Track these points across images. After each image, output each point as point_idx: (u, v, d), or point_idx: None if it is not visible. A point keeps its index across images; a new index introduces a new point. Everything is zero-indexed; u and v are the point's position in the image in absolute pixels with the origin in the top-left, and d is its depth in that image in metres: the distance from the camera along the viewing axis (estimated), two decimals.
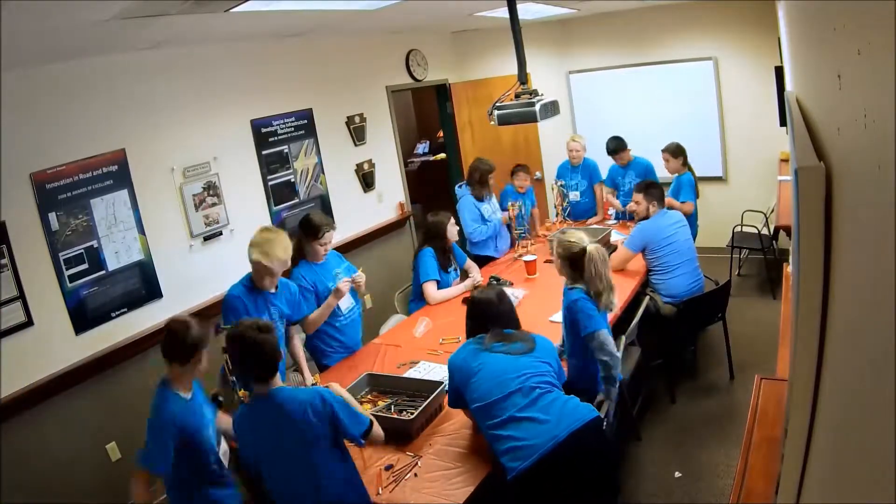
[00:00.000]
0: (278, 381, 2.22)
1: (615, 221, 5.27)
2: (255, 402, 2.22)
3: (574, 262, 2.83)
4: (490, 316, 2.56)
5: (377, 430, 2.28)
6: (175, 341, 2.36)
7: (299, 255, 3.43)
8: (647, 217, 4.18)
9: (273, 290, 3.11)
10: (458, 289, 4.12)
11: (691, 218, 4.63)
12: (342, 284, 3.35)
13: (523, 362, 2.38)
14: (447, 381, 2.79)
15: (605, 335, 2.73)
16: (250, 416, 2.24)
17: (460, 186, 4.91)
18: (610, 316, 3.02)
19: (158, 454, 2.26)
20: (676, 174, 4.97)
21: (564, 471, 2.21)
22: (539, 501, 2.22)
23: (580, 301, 2.76)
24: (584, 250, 2.79)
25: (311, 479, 2.17)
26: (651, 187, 4.20)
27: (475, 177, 4.79)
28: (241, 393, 2.62)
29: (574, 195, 5.43)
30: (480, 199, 4.79)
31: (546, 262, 4.41)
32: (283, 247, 3.01)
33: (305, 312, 3.31)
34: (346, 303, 3.54)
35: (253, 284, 3.07)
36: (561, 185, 5.24)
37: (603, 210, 5.44)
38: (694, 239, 4.40)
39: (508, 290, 3.92)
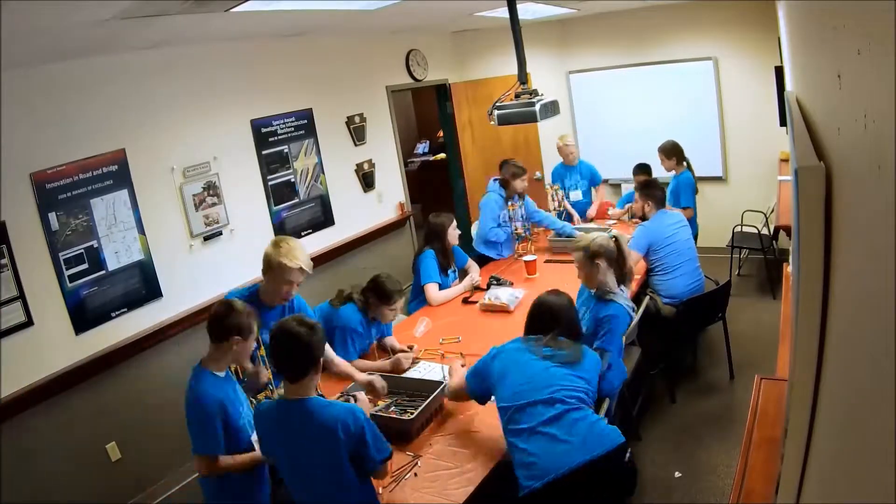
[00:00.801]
0: (312, 389, 2.14)
1: (615, 221, 5.26)
2: (283, 404, 2.13)
3: (618, 258, 2.93)
4: (554, 319, 2.49)
5: (389, 465, 2.23)
6: (215, 319, 2.36)
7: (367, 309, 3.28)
8: (644, 217, 4.18)
9: (280, 304, 2.89)
10: (458, 289, 4.13)
11: (691, 218, 4.63)
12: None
13: (559, 373, 2.32)
14: (447, 380, 2.80)
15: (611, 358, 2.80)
16: (273, 416, 2.15)
17: (494, 181, 4.79)
18: None
19: (210, 436, 2.26)
20: (674, 173, 4.97)
21: (577, 495, 2.16)
22: None
23: (618, 319, 2.82)
24: (615, 239, 2.95)
25: (330, 495, 2.11)
26: (649, 187, 4.19)
27: (503, 179, 4.69)
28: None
29: (575, 194, 5.43)
30: (509, 199, 4.71)
31: (546, 262, 4.41)
32: (304, 251, 2.84)
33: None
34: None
35: (256, 298, 2.83)
36: (557, 189, 5.24)
37: (597, 210, 5.44)
38: (694, 239, 4.39)
39: (509, 290, 3.93)
